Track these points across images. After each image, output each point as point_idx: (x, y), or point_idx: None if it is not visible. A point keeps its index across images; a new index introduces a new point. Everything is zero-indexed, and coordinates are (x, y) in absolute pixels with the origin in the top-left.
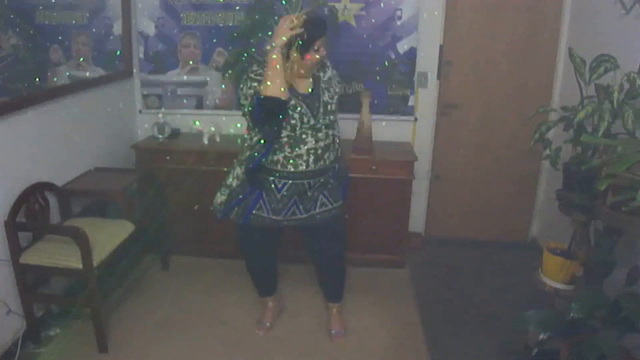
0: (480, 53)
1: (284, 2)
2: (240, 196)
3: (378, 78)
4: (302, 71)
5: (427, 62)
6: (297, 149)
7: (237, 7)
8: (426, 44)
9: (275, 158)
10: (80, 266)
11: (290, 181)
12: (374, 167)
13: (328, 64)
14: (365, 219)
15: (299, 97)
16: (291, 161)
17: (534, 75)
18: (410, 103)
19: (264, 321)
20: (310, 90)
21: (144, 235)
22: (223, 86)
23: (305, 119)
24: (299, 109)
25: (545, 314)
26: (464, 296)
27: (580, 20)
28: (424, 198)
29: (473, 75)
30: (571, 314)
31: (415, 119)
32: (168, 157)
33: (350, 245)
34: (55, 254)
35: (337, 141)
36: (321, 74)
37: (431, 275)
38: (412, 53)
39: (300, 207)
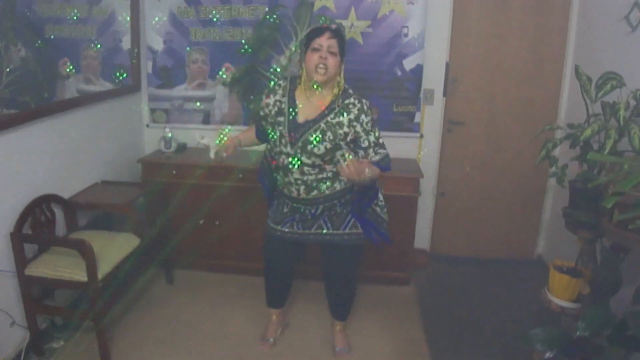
0: (486, 70)
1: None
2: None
3: (384, 94)
4: (318, 78)
5: (433, 79)
6: (285, 177)
7: (245, 24)
8: (432, 61)
9: (277, 178)
10: (85, 279)
11: (292, 203)
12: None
13: (355, 104)
14: None
15: (290, 119)
16: (286, 186)
17: (540, 93)
18: (416, 120)
19: (267, 337)
20: (305, 119)
21: (149, 248)
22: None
23: (283, 141)
24: (280, 127)
25: (551, 333)
26: (469, 314)
27: (586, 37)
28: (429, 215)
29: (479, 92)
30: (577, 333)
31: (421, 136)
32: (174, 172)
33: None
34: (61, 266)
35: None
36: (331, 115)
37: (436, 292)
38: (418, 70)
39: (300, 225)
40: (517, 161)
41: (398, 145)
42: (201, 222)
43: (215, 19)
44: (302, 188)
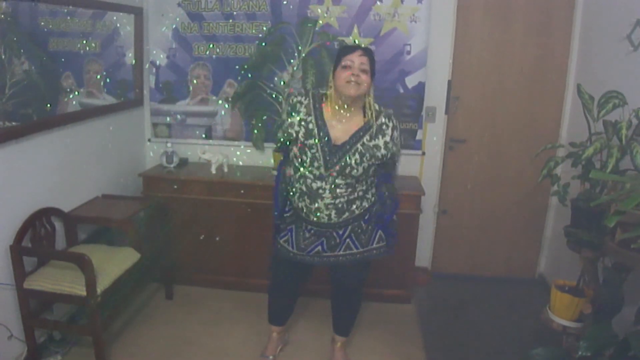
0: (488, 89)
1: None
2: (278, 222)
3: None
4: (349, 92)
5: (435, 97)
6: (315, 203)
7: (248, 40)
8: (434, 79)
9: (300, 205)
10: (84, 293)
11: (315, 228)
12: None
13: (388, 124)
14: None
15: (323, 140)
16: (312, 212)
17: (542, 111)
18: (418, 137)
19: (267, 354)
20: (340, 141)
21: (149, 263)
22: (223, 113)
23: (315, 164)
24: (313, 150)
25: (553, 352)
26: (470, 333)
27: (588, 56)
28: (430, 232)
29: (481, 110)
30: (579, 352)
31: (423, 153)
32: (175, 186)
33: None
34: (60, 280)
35: (371, 195)
36: (366, 137)
37: (437, 311)
38: (420, 88)
39: (326, 246)
40: (518, 179)
41: (400, 163)
42: (201, 237)
43: (218, 35)
44: (333, 212)
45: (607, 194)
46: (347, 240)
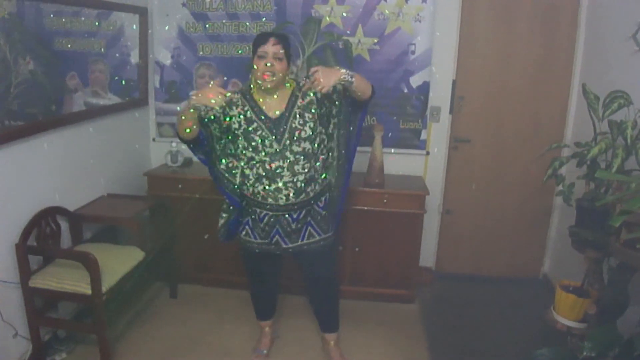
0: (493, 88)
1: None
2: (232, 218)
3: (391, 111)
4: (265, 84)
5: (440, 96)
6: (274, 183)
7: (253, 39)
8: (439, 79)
9: (256, 190)
10: (89, 292)
11: (270, 213)
12: (385, 200)
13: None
14: (375, 252)
15: (262, 119)
16: (271, 194)
17: (546, 111)
18: (422, 137)
19: (261, 348)
20: (278, 112)
21: (154, 262)
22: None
23: (267, 142)
24: (259, 132)
25: (557, 353)
26: (474, 333)
27: (593, 56)
28: (435, 232)
29: (485, 110)
30: (584, 353)
31: (427, 153)
32: (180, 186)
33: (359, 278)
34: (65, 279)
35: (321, 180)
36: (299, 100)
37: (441, 311)
38: (425, 87)
39: (285, 238)
40: (523, 179)
41: (404, 162)
42: (206, 236)
43: (222, 34)
44: (291, 192)
45: (612, 194)
46: (309, 228)
